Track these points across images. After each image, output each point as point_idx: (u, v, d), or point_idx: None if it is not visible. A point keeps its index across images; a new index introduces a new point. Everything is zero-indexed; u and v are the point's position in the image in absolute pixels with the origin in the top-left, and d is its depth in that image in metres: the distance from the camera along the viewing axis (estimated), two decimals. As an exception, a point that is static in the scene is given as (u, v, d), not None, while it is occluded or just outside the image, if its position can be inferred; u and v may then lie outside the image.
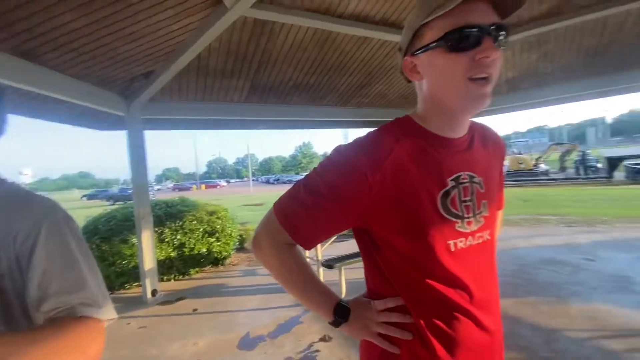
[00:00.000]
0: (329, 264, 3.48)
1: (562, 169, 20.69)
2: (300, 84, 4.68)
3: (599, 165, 18.28)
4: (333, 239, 4.18)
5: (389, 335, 0.68)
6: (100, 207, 6.56)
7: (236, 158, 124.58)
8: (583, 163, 18.97)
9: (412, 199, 0.63)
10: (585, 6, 3.83)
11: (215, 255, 5.03)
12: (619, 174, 15.85)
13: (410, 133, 0.67)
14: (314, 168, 0.69)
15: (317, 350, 2.56)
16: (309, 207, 0.66)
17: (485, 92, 0.60)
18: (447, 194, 0.64)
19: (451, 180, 0.65)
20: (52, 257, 0.59)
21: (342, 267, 3.47)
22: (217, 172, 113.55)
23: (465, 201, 0.66)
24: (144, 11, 2.65)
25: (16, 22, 2.30)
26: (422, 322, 0.65)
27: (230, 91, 4.42)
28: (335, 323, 0.71)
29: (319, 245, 3.83)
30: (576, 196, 11.20)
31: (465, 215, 0.66)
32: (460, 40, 0.58)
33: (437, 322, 0.64)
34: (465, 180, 0.66)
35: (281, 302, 3.56)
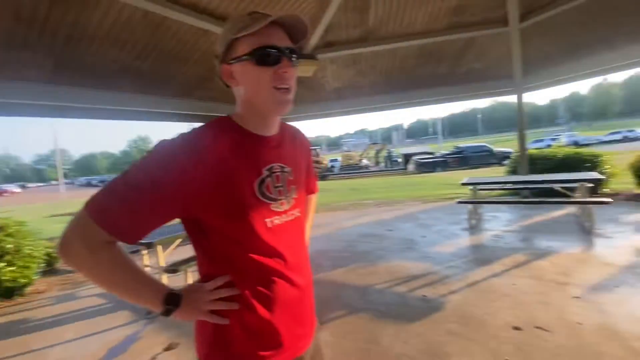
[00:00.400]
0: (172, 269, 3.25)
1: (377, 163, 26.22)
2: (129, 68, 4.07)
3: (399, 160, 24.24)
4: (177, 243, 3.90)
5: (219, 311, 0.77)
6: None
7: (36, 155, 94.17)
8: (389, 158, 24.76)
9: (233, 186, 0.74)
10: (383, 38, 5.03)
11: (8, 284, 3.77)
12: (410, 166, 21.51)
13: (230, 130, 0.78)
14: (133, 162, 0.70)
15: (162, 361, 2.39)
16: (131, 201, 0.67)
17: (287, 99, 0.78)
18: (262, 181, 0.79)
19: (266, 170, 0.80)
20: None
21: (188, 270, 3.31)
22: (4, 174, 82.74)
23: (278, 186, 0.82)
24: None
25: None
26: (246, 291, 0.77)
27: (23, 67, 3.37)
28: (166, 312, 0.75)
29: (160, 252, 3.50)
30: (385, 184, 14.49)
31: (279, 198, 0.82)
32: (265, 57, 0.73)
33: (259, 288, 0.78)
34: (277, 170, 0.82)
35: (113, 323, 3.07)
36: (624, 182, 6.33)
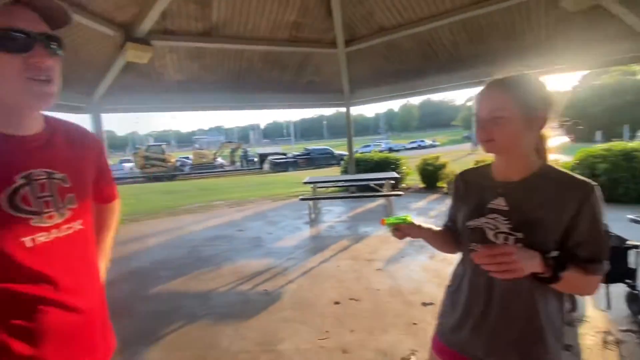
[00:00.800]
0: None
1: (232, 162, 25.72)
2: None
3: (255, 159, 24.58)
4: None
5: None
6: None
7: None
8: (245, 158, 24.74)
9: None
10: (227, 37, 4.97)
11: None
12: (266, 166, 22.18)
13: None
14: None
15: None
16: None
17: (48, 91, 0.67)
18: (15, 191, 0.65)
19: (21, 178, 0.66)
20: None
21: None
22: None
23: (43, 196, 0.69)
24: None
25: None
26: (5, 329, 0.63)
27: None
28: None
29: None
30: (239, 183, 14.40)
31: (45, 210, 0.69)
32: (11, 43, 0.61)
33: (15, 322, 0.64)
34: (41, 177, 0.70)
35: None
36: (413, 180, 8.59)
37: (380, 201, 6.63)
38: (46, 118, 0.77)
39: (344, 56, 5.92)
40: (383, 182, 5.83)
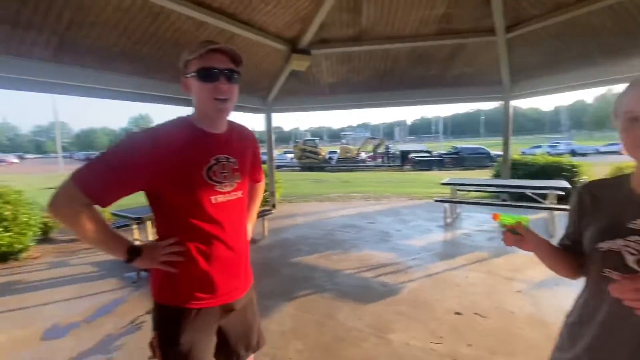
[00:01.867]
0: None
1: (374, 158, 26.43)
2: (129, 52, 4.27)
3: (397, 156, 24.48)
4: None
5: (169, 262, 1.02)
6: None
7: (35, 126, 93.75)
8: (387, 154, 24.93)
9: (186, 169, 1.00)
10: (375, 39, 5.22)
11: (4, 249, 4.05)
12: (408, 163, 21.76)
13: (186, 127, 1.05)
14: (109, 146, 0.97)
15: (143, 322, 2.68)
16: (103, 173, 0.93)
17: (224, 107, 1.04)
18: (210, 167, 1.05)
19: (213, 159, 1.06)
20: None
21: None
22: (2, 145, 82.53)
23: (223, 173, 1.08)
24: None
25: None
26: (191, 248, 1.03)
27: (29, 45, 3.57)
28: (129, 259, 1.00)
29: (149, 227, 3.78)
30: (378, 179, 14.78)
31: (223, 181, 1.08)
32: (206, 75, 0.99)
33: (200, 246, 1.04)
34: (223, 160, 1.09)
35: (103, 288, 3.37)
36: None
37: (542, 214, 5.51)
38: (228, 121, 1.17)
39: (504, 43, 5.16)
40: (546, 192, 4.82)
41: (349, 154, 25.53)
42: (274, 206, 7.16)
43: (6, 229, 4.05)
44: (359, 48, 5.35)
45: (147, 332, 2.51)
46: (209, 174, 1.04)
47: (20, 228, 4.22)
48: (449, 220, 5.50)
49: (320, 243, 4.62)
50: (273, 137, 7.33)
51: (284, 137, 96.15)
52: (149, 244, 1.05)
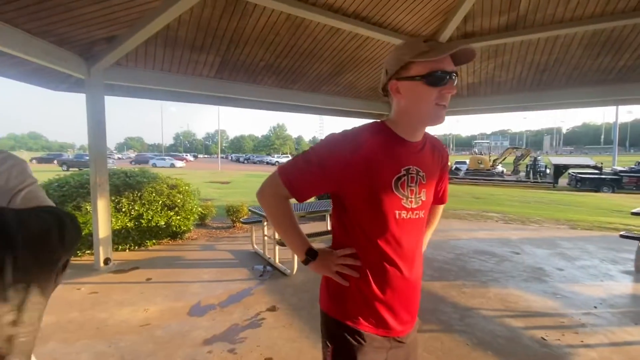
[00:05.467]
0: (282, 242, 3.68)
1: (515, 171, 22.32)
2: (272, 65, 4.72)
3: (548, 171, 19.95)
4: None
5: (342, 274, 0.95)
6: (52, 172, 6.24)
7: (206, 133, 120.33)
8: (534, 167, 20.58)
9: (376, 177, 0.88)
10: (539, 25, 4.20)
11: (174, 228, 5.06)
12: (564, 181, 17.44)
13: (382, 132, 0.93)
14: (312, 146, 0.94)
15: (264, 318, 2.78)
16: (303, 171, 0.91)
17: (443, 114, 0.90)
18: (399, 178, 0.90)
19: (404, 169, 0.91)
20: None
21: (296, 246, 3.69)
22: (185, 146, 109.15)
23: (410, 186, 0.92)
24: (109, -27, 2.58)
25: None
26: (366, 266, 0.92)
27: (199, 65, 4.37)
28: (306, 261, 1.00)
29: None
30: (521, 197, 12.27)
31: (409, 196, 0.92)
32: (437, 79, 0.85)
33: (376, 267, 0.92)
34: (413, 172, 0.93)
35: (235, 276, 3.74)
36: None
37: None
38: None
39: None
40: None
41: (481, 165, 22.31)
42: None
43: (177, 213, 5.05)
44: (513, 39, 4.41)
45: (266, 331, 2.57)
46: (398, 185, 0.91)
47: (186, 213, 5.20)
48: (644, 265, 3.90)
49: (448, 269, 3.96)
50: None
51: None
52: (325, 250, 1.00)
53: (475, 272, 3.87)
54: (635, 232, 4.61)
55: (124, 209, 4.50)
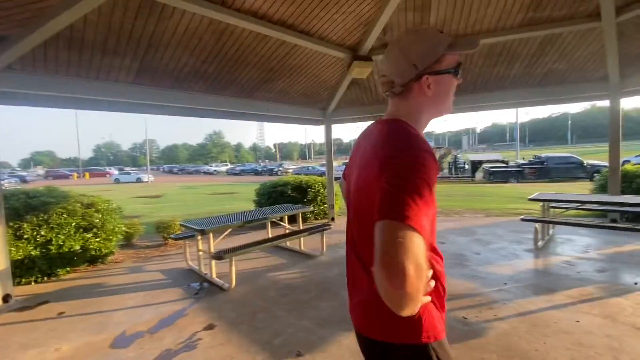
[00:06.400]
0: (218, 256, 3.52)
1: (440, 169, 24.69)
2: (198, 71, 4.51)
3: (467, 167, 22.47)
4: (226, 232, 4.20)
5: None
6: None
7: (132, 143, 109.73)
8: (455, 164, 23.04)
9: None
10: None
11: (93, 252, 4.49)
12: (479, 175, 19.79)
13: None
14: (407, 172, 0.70)
15: (199, 339, 2.61)
16: (422, 206, 0.65)
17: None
18: None
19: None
20: None
21: (233, 257, 3.55)
22: (108, 159, 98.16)
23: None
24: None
25: None
26: (435, 273, 0.83)
27: (114, 70, 3.97)
28: None
29: (211, 239, 3.82)
30: (446, 192, 13.59)
31: None
32: (460, 71, 0.88)
33: (438, 273, 0.85)
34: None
35: (167, 297, 3.45)
36: None
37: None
38: None
39: (614, 30, 4.22)
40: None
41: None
42: (332, 219, 6.93)
43: (95, 235, 4.49)
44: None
45: (201, 352, 2.42)
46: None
47: (107, 234, 4.66)
48: (540, 243, 4.61)
49: (384, 264, 4.19)
50: (333, 148, 7.16)
51: (344, 149, 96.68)
52: None
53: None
54: (534, 215, 5.42)
55: (26, 236, 3.85)
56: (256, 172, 38.92)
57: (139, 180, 31.62)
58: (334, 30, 4.45)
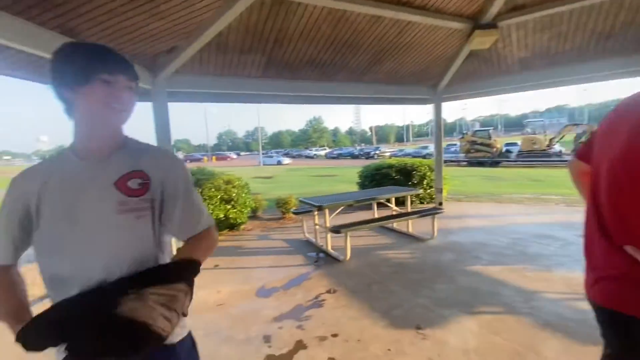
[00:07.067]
0: (336, 230, 3.84)
1: (576, 150, 20.33)
2: (315, 60, 4.84)
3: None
4: (339, 210, 4.51)
5: None
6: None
7: (246, 131, 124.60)
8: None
9: None
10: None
11: (231, 221, 5.47)
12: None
13: None
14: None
15: (324, 300, 2.97)
16: None
17: None
18: None
19: None
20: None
21: (348, 233, 3.83)
22: (227, 145, 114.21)
23: None
24: (172, -9, 2.86)
25: (62, 3, 2.56)
26: None
27: (247, 66, 4.62)
28: None
29: (327, 215, 4.18)
30: None
31: None
32: None
33: None
34: None
35: (292, 262, 3.99)
36: None
37: None
38: None
39: None
40: None
41: (535, 146, 20.62)
42: (440, 204, 6.62)
43: (233, 207, 5.44)
44: (571, 5, 4.07)
45: (328, 311, 2.75)
46: None
47: (241, 207, 5.58)
48: None
49: (507, 254, 3.85)
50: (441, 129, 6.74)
51: (447, 129, 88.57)
52: None
53: (536, 256, 3.73)
54: None
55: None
56: (353, 156, 39.55)
57: (279, 163, 34.34)
58: (452, 1, 4.13)
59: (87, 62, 0.80)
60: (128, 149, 0.90)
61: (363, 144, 78.45)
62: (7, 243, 0.82)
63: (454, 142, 29.54)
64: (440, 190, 6.71)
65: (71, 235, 0.78)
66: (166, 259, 0.89)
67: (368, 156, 35.08)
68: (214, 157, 53.33)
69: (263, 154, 44.94)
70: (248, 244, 4.92)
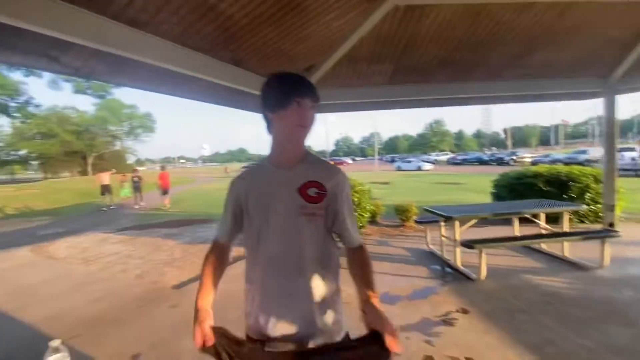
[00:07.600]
0: (469, 244, 3.51)
1: None
2: (445, 61, 4.57)
3: None
4: (472, 223, 4.09)
5: None
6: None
7: (361, 137, 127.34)
8: None
9: None
10: None
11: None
12: None
13: None
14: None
15: (455, 319, 2.75)
16: None
17: None
18: None
19: None
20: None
21: (483, 249, 3.44)
22: (344, 150, 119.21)
23: None
24: (314, 18, 3.22)
25: (232, 39, 3.22)
26: None
27: (375, 75, 4.75)
28: None
29: (457, 227, 3.86)
30: None
31: None
32: None
33: None
34: None
35: (415, 273, 3.85)
36: None
37: None
38: None
39: None
40: None
41: None
42: (611, 225, 5.16)
43: (354, 210, 5.65)
44: None
45: (461, 332, 2.54)
46: None
47: (362, 211, 5.74)
48: None
49: None
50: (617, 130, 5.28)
51: (623, 128, 68.06)
52: None
53: None
54: None
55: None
56: (481, 162, 35.15)
57: (419, 169, 31.32)
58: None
59: (286, 89, 1.01)
60: (308, 161, 1.09)
61: (494, 148, 68.85)
62: (229, 227, 1.13)
63: (630, 146, 22.95)
64: (611, 208, 5.26)
65: (267, 224, 1.04)
66: (335, 253, 1.14)
67: (501, 162, 30.62)
68: (332, 163, 56.47)
69: (402, 159, 42.65)
70: (368, 248, 5.00)
